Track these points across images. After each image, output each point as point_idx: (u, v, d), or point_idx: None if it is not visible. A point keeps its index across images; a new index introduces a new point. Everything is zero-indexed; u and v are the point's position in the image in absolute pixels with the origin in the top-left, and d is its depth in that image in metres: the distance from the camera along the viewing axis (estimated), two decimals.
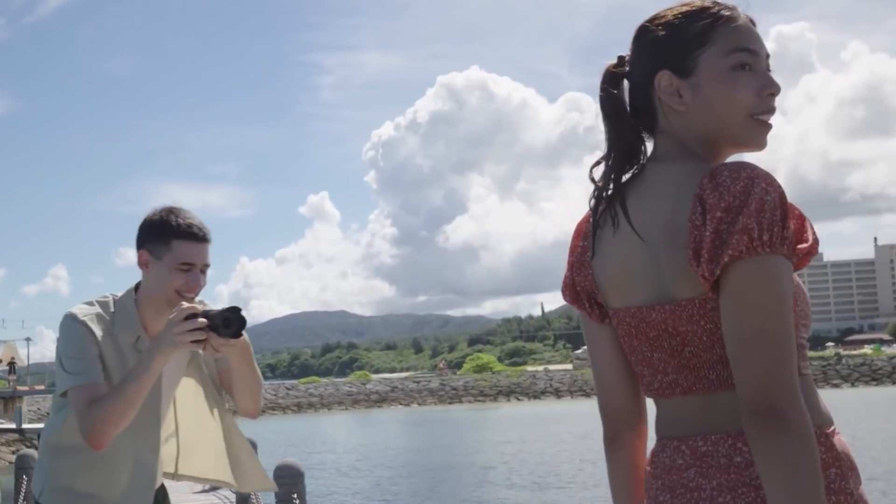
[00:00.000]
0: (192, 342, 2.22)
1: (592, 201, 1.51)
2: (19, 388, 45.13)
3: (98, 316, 2.44)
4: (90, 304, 2.49)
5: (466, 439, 33.17)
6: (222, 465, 2.69)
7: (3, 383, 47.03)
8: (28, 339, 54.48)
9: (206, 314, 2.23)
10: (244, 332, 2.27)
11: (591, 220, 1.51)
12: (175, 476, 2.76)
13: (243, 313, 2.24)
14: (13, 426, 31.39)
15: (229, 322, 2.21)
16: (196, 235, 2.41)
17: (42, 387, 54.69)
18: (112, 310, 2.48)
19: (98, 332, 2.40)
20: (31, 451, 9.71)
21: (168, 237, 2.39)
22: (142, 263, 2.46)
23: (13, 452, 22.10)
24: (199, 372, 2.62)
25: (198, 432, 2.69)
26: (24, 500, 8.51)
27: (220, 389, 2.63)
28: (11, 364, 47.88)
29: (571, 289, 1.57)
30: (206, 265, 2.45)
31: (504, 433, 34.66)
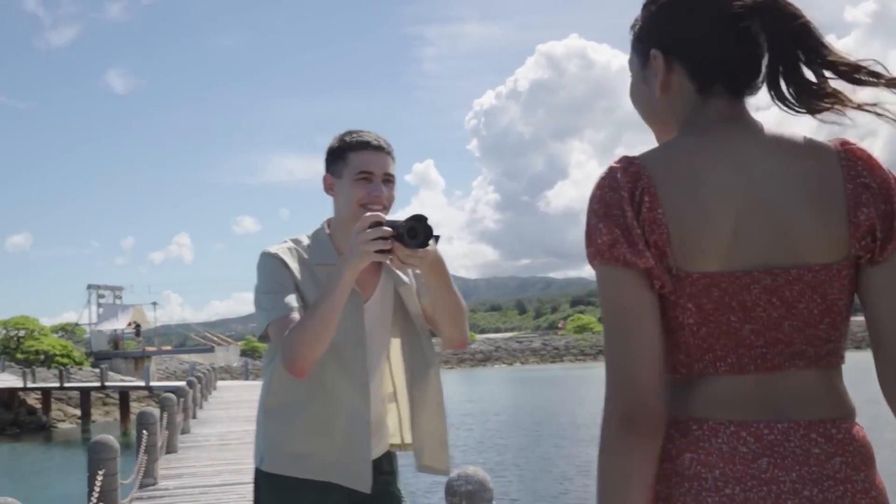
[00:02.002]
0: (377, 252, 2.11)
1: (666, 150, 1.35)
2: (147, 348, 47.86)
3: (290, 249, 2.41)
4: (283, 241, 2.46)
5: (569, 396, 33.72)
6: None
7: (133, 344, 49.63)
8: (154, 304, 57.08)
9: (390, 223, 2.13)
10: (434, 245, 2.15)
11: (645, 173, 1.29)
12: (403, 447, 2.60)
13: (430, 222, 2.11)
14: (143, 384, 33.45)
15: (415, 231, 2.10)
16: (370, 144, 2.38)
17: (169, 347, 57.50)
18: (306, 243, 2.44)
19: (292, 264, 2.37)
20: (151, 409, 10.04)
21: (344, 152, 2.38)
22: (327, 188, 2.44)
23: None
24: (407, 321, 2.50)
25: (416, 391, 2.52)
26: (144, 454, 8.91)
27: (428, 336, 2.51)
28: (137, 327, 50.80)
29: (633, 248, 1.25)
30: (389, 174, 2.39)
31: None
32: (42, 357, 41.15)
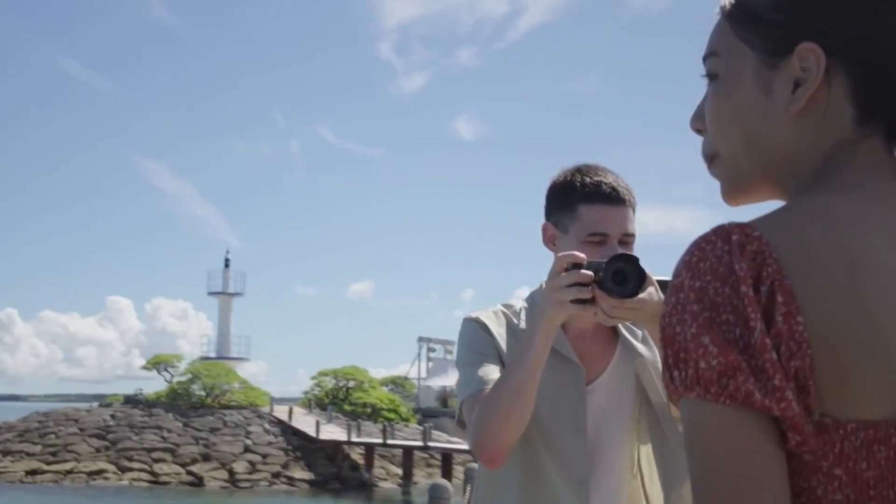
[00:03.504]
0: (574, 301, 1.78)
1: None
2: None
3: (497, 313, 2.09)
4: (494, 306, 2.15)
5: None
6: None
7: None
8: None
9: (591, 264, 1.80)
10: (653, 293, 1.77)
11: (771, 254, 0.80)
12: None
13: (643, 265, 1.78)
14: (467, 447, 31.38)
15: (624, 276, 1.73)
16: (607, 196, 1.95)
17: None
18: (518, 307, 2.10)
19: (497, 330, 2.04)
20: (444, 482, 9.89)
21: (573, 202, 1.98)
22: (547, 240, 2.06)
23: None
24: (649, 411, 2.00)
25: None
26: None
27: (677, 430, 1.97)
28: None
29: (763, 381, 0.76)
30: (628, 234, 1.96)
31: None
32: (369, 410, 41.32)
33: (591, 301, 1.78)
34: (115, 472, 31.93)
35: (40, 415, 37.26)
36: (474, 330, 2.05)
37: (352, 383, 43.59)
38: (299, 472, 32.32)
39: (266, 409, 37.69)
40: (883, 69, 0.86)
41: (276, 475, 32.15)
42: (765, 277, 0.77)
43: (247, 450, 33.24)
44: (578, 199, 1.97)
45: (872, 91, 0.87)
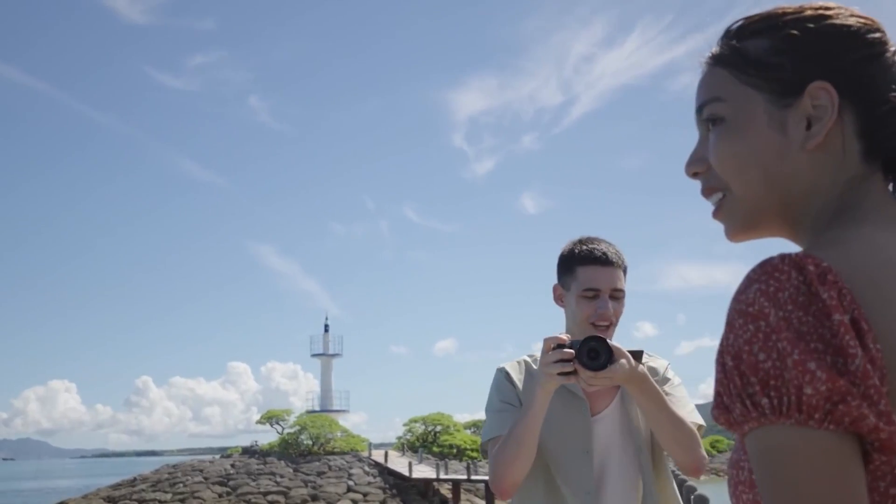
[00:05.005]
0: (561, 374, 2.06)
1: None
2: None
3: (521, 363, 2.38)
4: (520, 357, 2.44)
5: None
6: None
7: None
8: None
9: (573, 344, 2.08)
10: (626, 363, 2.04)
11: (844, 284, 0.81)
12: None
13: (612, 343, 2.06)
14: None
15: (596, 353, 2.03)
16: (598, 259, 2.28)
17: None
18: (539, 356, 2.26)
19: (517, 377, 2.33)
20: None
21: (573, 265, 2.32)
22: (556, 299, 2.39)
23: None
24: (635, 440, 2.31)
25: None
26: None
27: (650, 459, 2.31)
28: None
29: (873, 404, 0.75)
30: (617, 290, 2.28)
31: None
32: (454, 451, 42.34)
33: (574, 373, 2.04)
34: None
35: (170, 467, 39.20)
36: (501, 380, 2.33)
37: (439, 428, 44.68)
38: None
39: (365, 454, 39.24)
40: (884, 106, 0.89)
41: None
42: (846, 306, 0.75)
43: (349, 490, 34.17)
44: (577, 262, 2.28)
45: (877, 128, 0.89)
